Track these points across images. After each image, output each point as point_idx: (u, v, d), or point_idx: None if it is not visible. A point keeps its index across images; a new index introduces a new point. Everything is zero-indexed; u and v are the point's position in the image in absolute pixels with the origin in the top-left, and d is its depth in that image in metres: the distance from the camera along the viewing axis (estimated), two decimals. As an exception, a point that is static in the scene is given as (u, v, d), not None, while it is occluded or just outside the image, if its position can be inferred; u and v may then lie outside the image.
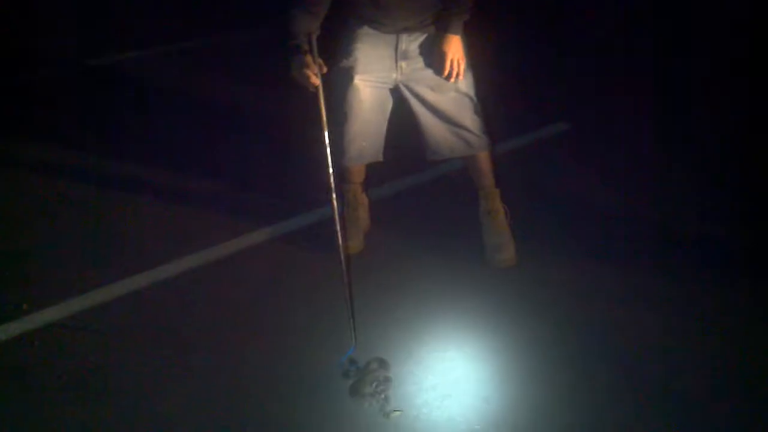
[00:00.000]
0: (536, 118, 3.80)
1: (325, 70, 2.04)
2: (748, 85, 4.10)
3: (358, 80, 2.45)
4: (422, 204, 3.13)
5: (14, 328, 2.44)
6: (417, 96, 2.52)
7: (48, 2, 6.08)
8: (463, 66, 2.45)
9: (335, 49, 2.46)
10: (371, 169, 2.79)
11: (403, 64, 2.46)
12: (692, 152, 3.45)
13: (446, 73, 2.41)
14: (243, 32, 5.42)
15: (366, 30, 2.43)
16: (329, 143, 2.12)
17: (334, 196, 2.06)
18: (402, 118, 2.60)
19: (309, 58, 2.04)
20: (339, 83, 2.46)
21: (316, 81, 2.02)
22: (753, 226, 2.88)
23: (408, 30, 2.42)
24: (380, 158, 2.68)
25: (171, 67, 4.84)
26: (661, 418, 2.02)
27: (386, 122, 2.61)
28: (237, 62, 4.86)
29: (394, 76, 2.49)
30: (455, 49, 2.40)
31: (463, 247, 2.76)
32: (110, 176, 3.41)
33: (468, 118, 2.57)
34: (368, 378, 2.13)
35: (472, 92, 2.55)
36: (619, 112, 3.96)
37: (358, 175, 2.80)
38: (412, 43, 2.45)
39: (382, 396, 2.09)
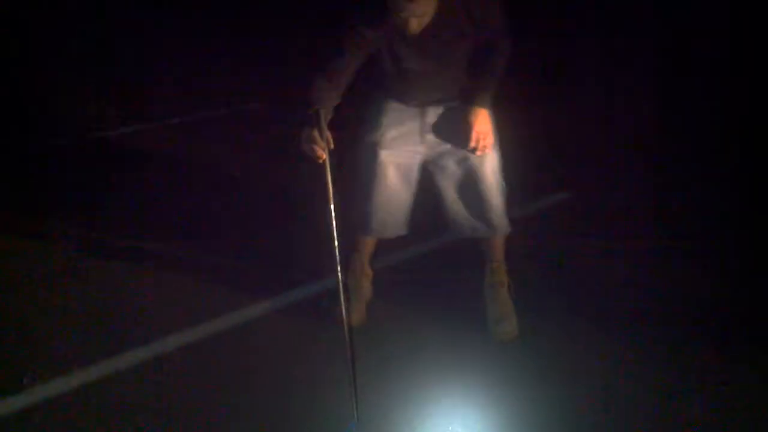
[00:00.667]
0: (535, 187, 3.83)
1: (332, 145, 2.08)
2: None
3: (384, 155, 2.46)
4: (423, 275, 3.12)
5: (13, 403, 2.40)
6: (442, 171, 2.52)
7: (58, 74, 6.23)
8: (490, 141, 2.41)
9: (361, 122, 2.49)
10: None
11: (429, 137, 2.47)
12: (691, 221, 3.48)
13: (472, 145, 2.37)
14: (248, 104, 5.54)
15: (392, 104, 2.45)
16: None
17: (339, 268, 2.07)
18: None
19: (316, 132, 2.08)
20: (364, 157, 2.49)
21: (323, 155, 2.05)
22: (756, 299, 2.88)
23: (435, 103, 2.44)
24: (403, 232, 2.69)
25: (174, 138, 4.92)
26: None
27: (411, 196, 2.60)
28: (239, 133, 4.95)
29: (420, 149, 2.49)
30: (482, 122, 2.37)
31: (465, 319, 2.75)
32: (111, 247, 3.42)
33: (493, 199, 2.55)
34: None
35: (497, 170, 2.52)
36: (620, 179, 4.00)
37: (370, 246, 2.77)
38: (439, 116, 2.45)
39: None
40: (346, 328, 2.15)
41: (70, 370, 2.54)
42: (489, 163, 2.48)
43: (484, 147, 2.39)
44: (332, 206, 2.01)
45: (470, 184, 2.51)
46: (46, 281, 3.15)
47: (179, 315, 2.87)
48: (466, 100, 2.38)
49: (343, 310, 2.14)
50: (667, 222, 3.52)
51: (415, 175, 2.55)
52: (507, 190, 2.58)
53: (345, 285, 2.12)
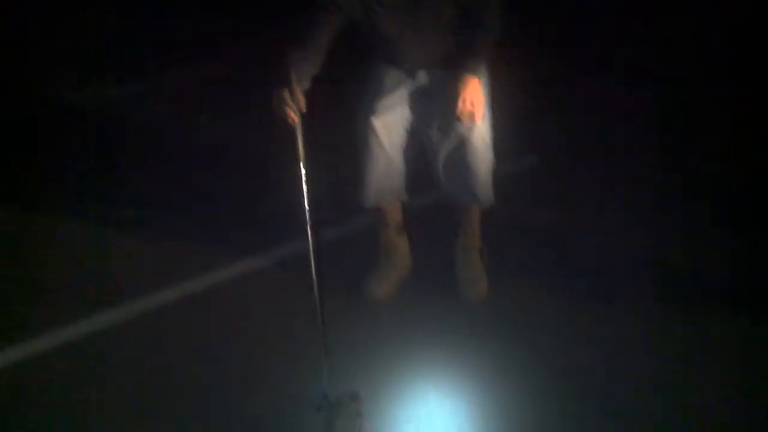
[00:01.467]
0: (503, 152, 3.84)
1: (304, 108, 2.06)
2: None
3: (377, 120, 2.43)
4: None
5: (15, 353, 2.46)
6: (432, 137, 2.47)
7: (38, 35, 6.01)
8: (480, 110, 2.31)
9: (354, 90, 2.45)
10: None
11: (421, 102, 2.43)
12: (663, 183, 3.54)
13: (459, 114, 2.27)
14: (223, 67, 5.43)
15: (383, 69, 2.40)
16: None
17: (309, 229, 2.08)
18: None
19: (288, 94, 2.06)
20: (358, 122, 2.46)
21: (294, 117, 2.03)
22: (733, 255, 2.95)
23: (426, 67, 2.38)
24: (403, 198, 2.67)
25: (146, 104, 4.81)
26: None
27: (407, 162, 2.58)
28: (213, 98, 4.86)
29: (412, 114, 2.47)
30: (471, 90, 2.26)
31: (436, 282, 2.77)
32: (82, 212, 3.37)
33: (480, 170, 2.51)
34: (341, 412, 2.11)
35: (488, 141, 2.48)
36: (589, 145, 4.02)
37: (392, 217, 2.72)
38: (432, 81, 2.40)
39: (356, 430, 2.09)
40: (315, 291, 2.16)
41: (40, 333, 2.56)
42: (479, 132, 2.43)
43: (472, 117, 2.29)
44: (303, 169, 2.01)
45: (459, 152, 2.47)
46: (12, 248, 3.14)
47: (149, 278, 2.86)
48: (457, 67, 2.27)
49: (313, 274, 2.15)
50: (636, 182, 3.57)
51: (410, 140, 2.53)
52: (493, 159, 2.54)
53: (316, 249, 2.13)
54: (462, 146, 2.45)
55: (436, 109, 2.40)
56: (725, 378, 2.31)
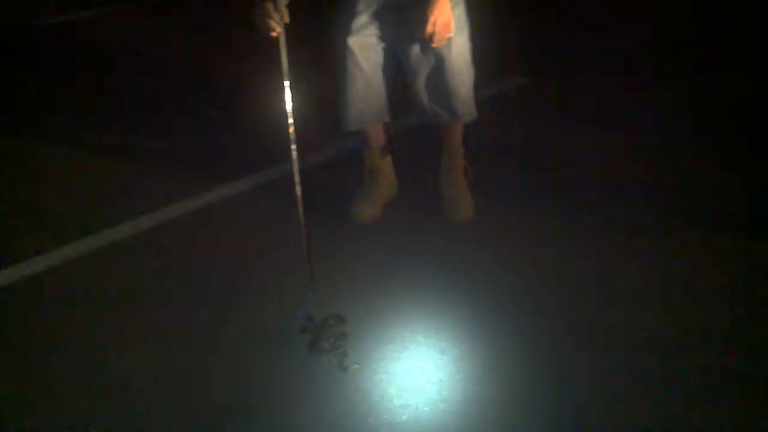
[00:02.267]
0: (491, 72, 3.77)
1: (287, 19, 1.95)
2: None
3: (352, 40, 2.37)
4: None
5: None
6: (409, 54, 2.42)
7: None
8: (448, 32, 2.28)
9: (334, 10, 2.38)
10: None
11: (396, 19, 2.35)
12: (644, 106, 3.50)
13: (427, 34, 2.25)
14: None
15: None
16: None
17: (294, 148, 2.01)
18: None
19: (270, 4, 1.95)
20: (334, 44, 2.39)
21: (277, 28, 1.93)
22: (701, 178, 2.96)
23: None
24: (385, 119, 2.61)
25: (121, 25, 4.64)
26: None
27: (386, 81, 2.52)
28: (188, 18, 4.69)
29: (388, 32, 2.40)
30: (440, 10, 2.21)
31: (423, 203, 2.76)
32: (61, 136, 3.30)
33: (460, 86, 2.47)
34: (326, 333, 2.11)
35: (467, 57, 2.44)
36: (577, 65, 3.97)
37: (375, 140, 2.68)
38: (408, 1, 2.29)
39: (340, 351, 2.09)
40: (300, 210, 2.12)
41: (19, 260, 2.53)
42: (456, 47, 2.39)
43: (441, 38, 2.27)
44: (287, 83, 1.91)
45: (437, 68, 2.42)
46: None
47: (131, 202, 2.84)
48: None
49: (298, 193, 2.10)
50: (620, 103, 3.53)
51: (388, 59, 2.47)
52: (475, 75, 2.50)
53: (301, 168, 2.07)
54: (439, 63, 2.40)
55: (409, 27, 2.34)
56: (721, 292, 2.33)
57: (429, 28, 2.23)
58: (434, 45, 2.28)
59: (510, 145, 3.15)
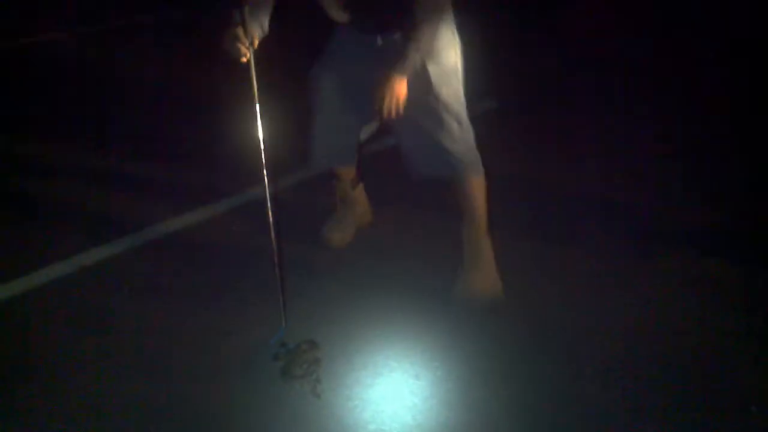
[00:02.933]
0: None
1: (256, 43, 1.95)
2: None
3: (324, 80, 2.33)
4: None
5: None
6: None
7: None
8: (399, 107, 2.14)
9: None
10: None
11: (379, 65, 2.16)
12: (620, 121, 3.56)
13: (380, 109, 2.13)
14: (164, 12, 5.23)
15: (345, 29, 2.25)
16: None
17: (266, 173, 2.00)
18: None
19: (240, 30, 1.95)
20: (310, 81, 2.36)
21: (246, 53, 1.93)
22: (671, 196, 3.02)
23: (383, 30, 2.20)
24: (350, 163, 2.55)
25: (98, 48, 4.63)
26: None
27: (359, 126, 2.44)
28: (164, 42, 4.69)
29: (371, 76, 2.18)
30: (392, 90, 2.10)
31: (397, 226, 2.76)
32: (36, 161, 3.26)
33: (446, 138, 2.24)
34: (299, 359, 2.10)
35: (453, 108, 2.23)
36: (547, 89, 4.02)
37: (344, 173, 2.64)
38: (388, 44, 2.20)
39: (313, 377, 2.07)
40: (272, 236, 2.10)
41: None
42: (442, 97, 2.21)
43: (393, 114, 2.14)
44: (258, 107, 1.91)
45: (417, 120, 2.23)
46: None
47: (103, 227, 2.81)
48: (407, 32, 2.08)
49: (270, 219, 2.09)
50: (590, 124, 3.58)
51: (366, 104, 2.25)
52: (468, 126, 2.29)
53: (272, 193, 2.06)
54: (426, 115, 2.23)
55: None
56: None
57: (383, 107, 2.13)
58: (385, 118, 2.17)
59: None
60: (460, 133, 2.25)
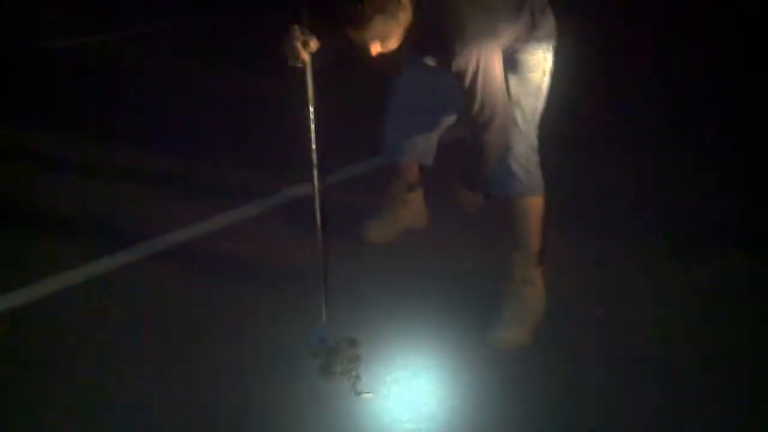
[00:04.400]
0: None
1: (315, 47, 1.97)
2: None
3: (407, 71, 2.29)
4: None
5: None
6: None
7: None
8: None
9: None
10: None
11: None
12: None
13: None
14: (206, 14, 5.29)
15: None
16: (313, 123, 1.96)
17: (315, 173, 2.04)
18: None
19: (299, 34, 1.95)
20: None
21: (305, 57, 1.95)
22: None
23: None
24: (427, 162, 2.49)
25: (144, 49, 4.69)
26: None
27: (437, 125, 2.37)
28: (210, 43, 4.74)
29: (448, 78, 2.03)
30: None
31: (441, 233, 2.76)
32: (76, 160, 3.31)
33: (509, 154, 2.14)
34: (338, 357, 2.12)
35: (523, 126, 2.14)
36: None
37: (406, 172, 2.61)
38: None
39: (353, 374, 2.09)
40: (319, 232, 2.14)
41: (32, 282, 2.52)
42: (523, 103, 2.13)
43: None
44: (312, 109, 1.95)
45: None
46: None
47: (145, 224, 2.84)
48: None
49: (317, 215, 2.12)
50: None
51: (444, 99, 2.21)
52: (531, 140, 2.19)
53: (321, 191, 2.10)
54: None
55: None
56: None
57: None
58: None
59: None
60: (525, 151, 2.17)
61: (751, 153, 3.34)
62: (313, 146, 1.97)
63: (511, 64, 2.09)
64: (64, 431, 1.97)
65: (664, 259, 2.66)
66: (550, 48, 2.14)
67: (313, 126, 1.95)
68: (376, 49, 1.85)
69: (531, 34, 2.07)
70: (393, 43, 1.86)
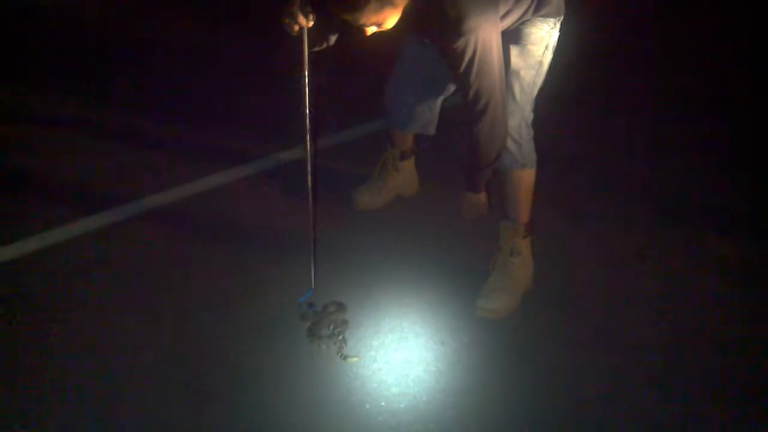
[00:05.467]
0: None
1: (311, 18, 1.93)
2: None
3: (407, 46, 2.29)
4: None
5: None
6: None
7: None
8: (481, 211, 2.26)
9: None
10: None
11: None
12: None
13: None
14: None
15: None
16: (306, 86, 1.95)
17: (308, 137, 2.04)
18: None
19: (297, 6, 1.91)
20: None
21: (303, 21, 1.92)
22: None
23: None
24: (430, 132, 2.50)
25: (144, 11, 4.58)
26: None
27: (438, 98, 2.40)
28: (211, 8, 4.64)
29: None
30: (469, 203, 2.26)
31: (431, 200, 2.78)
32: (67, 119, 3.27)
33: (512, 118, 2.12)
34: (326, 320, 2.16)
35: (519, 97, 2.13)
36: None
37: (400, 141, 2.64)
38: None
39: (340, 338, 2.13)
40: (309, 197, 2.15)
41: (30, 234, 2.53)
42: (522, 75, 2.11)
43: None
44: (306, 75, 1.94)
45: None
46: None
47: (136, 183, 2.84)
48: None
49: (309, 182, 2.13)
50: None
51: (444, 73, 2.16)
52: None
53: (313, 159, 2.10)
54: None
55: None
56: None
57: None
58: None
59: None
60: (518, 124, 2.16)
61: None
62: (307, 111, 1.97)
63: (515, 35, 2.07)
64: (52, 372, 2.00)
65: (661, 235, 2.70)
66: (557, 24, 2.11)
67: (307, 91, 1.95)
68: (371, 30, 1.84)
69: (537, 12, 2.05)
70: (389, 25, 1.84)
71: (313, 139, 2.06)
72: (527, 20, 2.06)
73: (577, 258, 2.57)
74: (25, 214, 2.65)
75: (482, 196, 2.24)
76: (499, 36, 1.93)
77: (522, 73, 2.11)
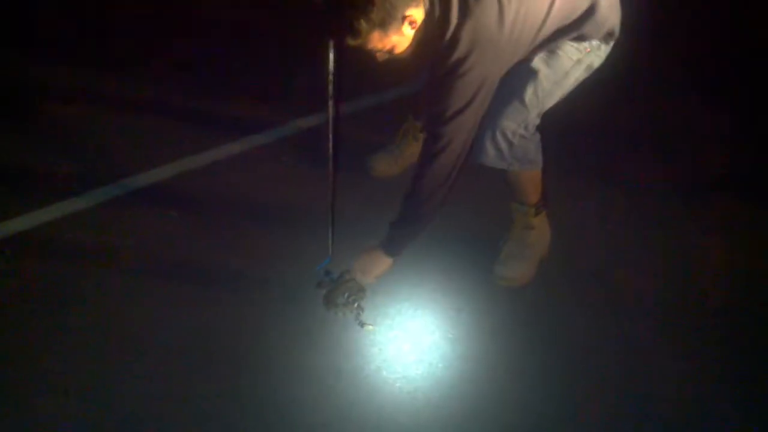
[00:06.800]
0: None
1: None
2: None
3: None
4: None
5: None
6: None
7: None
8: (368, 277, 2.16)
9: None
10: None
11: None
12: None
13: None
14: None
15: None
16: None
17: (331, 104, 2.03)
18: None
19: None
20: None
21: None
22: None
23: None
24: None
25: None
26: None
27: None
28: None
29: None
30: (367, 263, 2.15)
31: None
32: (74, 88, 3.23)
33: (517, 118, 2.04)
34: (342, 288, 2.15)
35: (528, 102, 2.02)
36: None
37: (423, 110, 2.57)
38: None
39: (356, 306, 2.13)
40: (330, 164, 2.14)
41: (39, 207, 2.52)
42: (542, 84, 2.01)
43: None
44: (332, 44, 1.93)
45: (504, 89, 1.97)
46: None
47: (156, 150, 2.81)
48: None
49: (330, 149, 2.12)
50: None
51: None
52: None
53: (335, 124, 2.09)
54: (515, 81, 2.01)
55: None
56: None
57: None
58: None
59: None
60: (515, 128, 2.06)
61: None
62: (331, 77, 1.96)
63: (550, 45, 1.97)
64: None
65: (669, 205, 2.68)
66: (602, 47, 2.01)
67: (332, 56, 1.93)
68: (382, 57, 1.82)
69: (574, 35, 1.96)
70: (399, 50, 1.80)
71: (336, 105, 2.04)
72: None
73: (594, 225, 2.55)
74: (45, 185, 2.64)
75: (390, 263, 2.16)
76: (496, 83, 1.87)
77: (541, 76, 2.00)
